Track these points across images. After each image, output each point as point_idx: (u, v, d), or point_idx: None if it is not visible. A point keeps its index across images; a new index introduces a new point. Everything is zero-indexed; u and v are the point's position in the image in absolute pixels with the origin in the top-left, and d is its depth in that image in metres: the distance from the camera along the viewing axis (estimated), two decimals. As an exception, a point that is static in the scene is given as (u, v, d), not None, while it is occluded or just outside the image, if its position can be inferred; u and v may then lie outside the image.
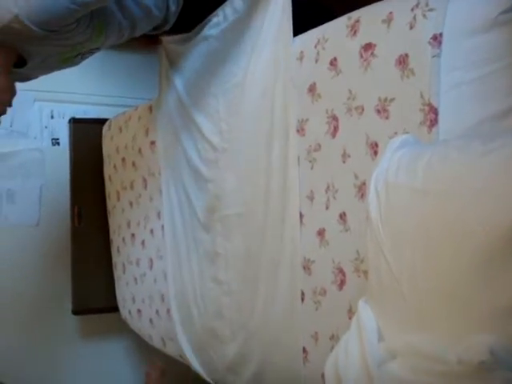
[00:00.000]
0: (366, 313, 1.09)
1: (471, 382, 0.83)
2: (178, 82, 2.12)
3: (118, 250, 2.86)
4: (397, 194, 1.02)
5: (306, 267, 1.55)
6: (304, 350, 1.58)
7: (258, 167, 1.72)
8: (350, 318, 1.38)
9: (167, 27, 2.02)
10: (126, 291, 2.81)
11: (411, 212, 0.98)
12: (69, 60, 1.82)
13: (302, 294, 1.58)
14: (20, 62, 1.67)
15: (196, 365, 2.14)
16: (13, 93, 1.68)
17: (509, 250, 0.80)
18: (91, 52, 1.82)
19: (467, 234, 0.85)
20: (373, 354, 1.01)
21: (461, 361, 0.85)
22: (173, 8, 1.92)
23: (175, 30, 2.03)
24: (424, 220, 0.95)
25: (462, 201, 0.87)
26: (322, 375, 1.48)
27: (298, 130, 1.55)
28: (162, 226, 2.33)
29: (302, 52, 1.52)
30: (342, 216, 1.42)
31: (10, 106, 1.68)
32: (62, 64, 1.83)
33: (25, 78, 1.82)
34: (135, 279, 2.66)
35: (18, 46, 1.62)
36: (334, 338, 1.45)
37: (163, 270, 2.34)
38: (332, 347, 1.43)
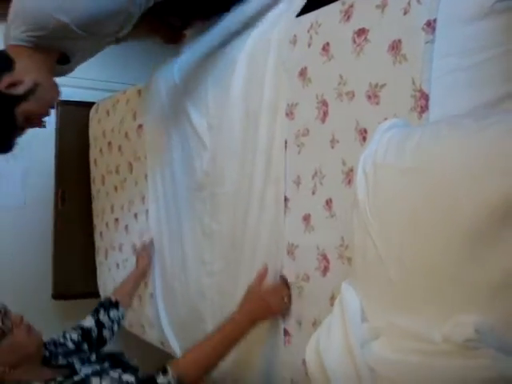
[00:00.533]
0: (349, 294, 1.09)
1: (456, 361, 0.83)
2: (175, 66, 2.11)
3: (101, 235, 2.84)
4: (385, 175, 1.02)
5: (290, 252, 1.55)
6: (286, 333, 1.58)
7: (245, 147, 1.72)
8: (331, 305, 1.37)
9: None
10: (107, 277, 2.78)
11: (399, 192, 0.98)
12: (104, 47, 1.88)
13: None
14: (63, 58, 1.71)
15: (177, 350, 2.12)
16: (59, 91, 1.74)
17: (497, 228, 0.80)
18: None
19: (456, 211, 0.85)
20: (356, 335, 1.01)
21: (446, 339, 0.85)
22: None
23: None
24: (412, 199, 0.94)
25: (452, 177, 0.87)
26: (304, 361, 1.48)
27: (287, 114, 1.54)
28: (147, 211, 2.32)
29: (295, 36, 1.51)
30: (328, 202, 1.41)
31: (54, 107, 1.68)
32: (97, 53, 1.89)
33: (63, 73, 1.84)
34: (117, 265, 2.64)
35: (62, 46, 1.64)
36: (316, 324, 1.45)
37: (145, 255, 2.32)
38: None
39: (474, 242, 0.84)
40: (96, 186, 2.88)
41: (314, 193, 1.47)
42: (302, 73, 1.48)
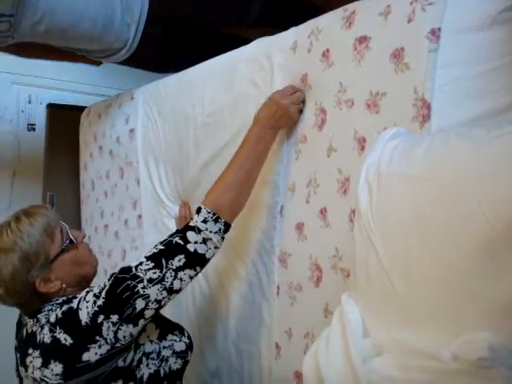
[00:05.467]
0: (349, 307, 1.05)
1: (467, 380, 0.80)
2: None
3: (90, 241, 2.79)
4: (390, 184, 0.99)
5: (283, 260, 1.53)
6: (277, 346, 1.55)
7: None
8: (325, 317, 1.35)
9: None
10: (94, 283, 2.73)
11: (407, 201, 0.94)
12: None
13: (278, 287, 1.55)
14: None
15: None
16: None
17: (510, 240, 0.77)
18: None
19: (469, 224, 0.82)
20: (357, 350, 0.96)
21: (456, 357, 0.81)
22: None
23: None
24: (421, 209, 0.91)
25: (464, 188, 0.84)
26: (295, 373, 1.45)
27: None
28: (139, 216, 2.29)
29: (295, 42, 1.49)
30: (323, 211, 1.39)
31: None
32: None
33: None
34: (105, 271, 2.60)
35: None
36: (309, 337, 1.42)
37: (136, 261, 2.29)
38: (306, 345, 1.41)
39: (487, 255, 0.81)
40: (85, 191, 2.84)
41: (307, 201, 1.44)
42: (303, 79, 1.46)
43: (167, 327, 1.49)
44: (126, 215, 2.40)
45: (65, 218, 2.89)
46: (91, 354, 1.26)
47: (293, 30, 1.53)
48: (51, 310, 1.33)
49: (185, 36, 2.24)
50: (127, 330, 1.27)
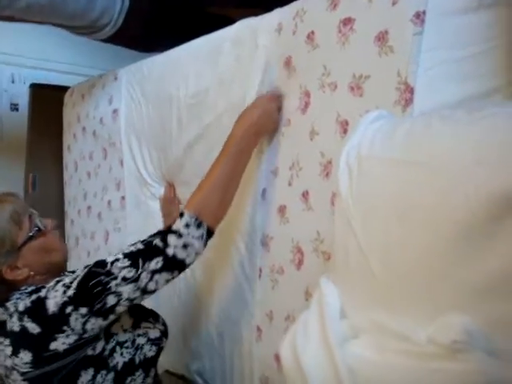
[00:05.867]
0: (328, 289, 1.05)
1: (442, 363, 0.80)
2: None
3: (72, 223, 2.78)
4: (370, 166, 0.98)
5: (265, 243, 1.53)
6: (258, 329, 1.55)
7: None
8: (306, 300, 1.36)
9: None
10: (77, 265, 2.72)
11: (386, 184, 0.94)
12: None
13: (260, 270, 1.55)
14: None
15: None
16: None
17: (490, 224, 0.77)
18: None
19: (449, 207, 0.82)
20: (334, 332, 0.96)
21: (432, 340, 0.81)
22: None
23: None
24: (400, 191, 0.91)
25: (444, 170, 0.84)
26: (276, 356, 1.45)
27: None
28: (122, 197, 2.28)
29: (280, 23, 1.48)
30: (305, 194, 1.39)
31: None
32: None
33: None
34: (88, 253, 2.59)
35: None
36: (290, 319, 1.42)
37: (119, 243, 2.28)
38: (287, 328, 1.40)
39: (464, 238, 0.81)
40: (68, 173, 2.81)
41: (290, 184, 1.44)
42: (287, 62, 1.45)
43: (141, 315, 1.48)
44: (110, 196, 2.39)
45: (48, 199, 2.92)
46: (59, 344, 1.24)
47: (278, 12, 1.51)
48: (20, 298, 1.31)
49: (171, 14, 2.21)
50: (96, 323, 1.26)
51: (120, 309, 1.28)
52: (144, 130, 2.12)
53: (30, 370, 1.27)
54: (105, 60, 3.06)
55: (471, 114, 0.86)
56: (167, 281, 1.32)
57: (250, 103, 1.49)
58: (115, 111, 2.31)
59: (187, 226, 1.30)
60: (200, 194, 1.37)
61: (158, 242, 1.30)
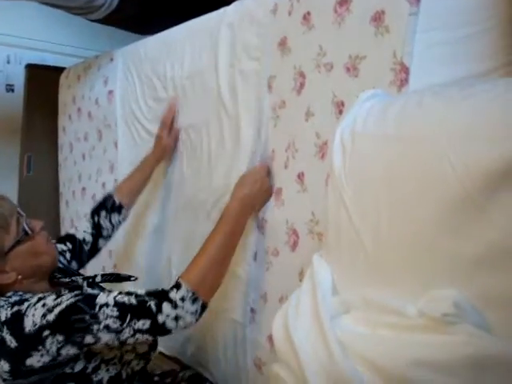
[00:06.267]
0: (320, 266, 1.06)
1: (432, 336, 0.81)
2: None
3: (67, 205, 2.78)
4: (364, 143, 0.99)
5: (260, 226, 1.52)
6: (252, 311, 1.56)
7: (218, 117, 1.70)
8: (300, 281, 1.35)
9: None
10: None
11: (378, 160, 0.94)
12: None
13: (255, 253, 1.55)
14: None
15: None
16: None
17: (480, 198, 0.77)
18: None
19: (439, 181, 0.82)
20: (326, 308, 0.97)
21: (422, 313, 0.82)
22: None
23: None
24: (392, 168, 0.92)
25: (435, 146, 0.84)
26: (269, 337, 1.46)
27: (267, 86, 1.50)
28: (115, 180, 2.27)
29: (276, 4, 1.47)
30: (301, 176, 1.39)
31: None
32: None
33: None
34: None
35: None
36: (283, 301, 1.42)
37: (113, 224, 2.28)
38: (281, 309, 1.42)
39: (454, 213, 0.81)
40: (63, 154, 2.81)
41: (286, 166, 1.44)
42: (282, 43, 1.44)
43: None
44: (104, 178, 2.39)
45: (43, 180, 2.91)
46: (34, 361, 1.22)
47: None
48: (3, 306, 1.28)
49: None
50: (71, 350, 1.24)
51: (96, 346, 1.27)
52: (140, 112, 2.11)
53: (10, 378, 1.25)
54: (101, 41, 3.04)
55: (463, 91, 0.87)
56: (146, 339, 1.31)
57: (243, 175, 1.51)
58: (111, 92, 2.30)
59: (183, 299, 1.28)
60: (197, 268, 1.35)
61: (152, 304, 1.26)
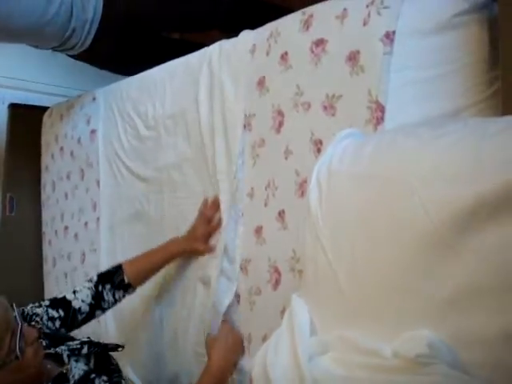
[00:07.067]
0: (298, 306, 1.06)
1: (407, 377, 0.81)
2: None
3: (50, 243, 2.75)
4: (339, 182, 1.00)
5: (244, 267, 1.52)
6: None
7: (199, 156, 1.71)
8: (282, 319, 1.35)
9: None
10: (54, 287, 2.70)
11: (352, 198, 0.96)
12: None
13: (238, 296, 1.54)
14: None
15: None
16: None
17: (449, 238, 0.78)
18: None
19: (410, 220, 0.83)
20: (304, 348, 0.97)
21: (397, 354, 0.82)
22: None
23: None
24: (365, 207, 0.93)
25: (407, 186, 0.85)
26: (250, 379, 1.44)
27: (244, 126, 1.52)
28: (98, 219, 2.26)
29: (254, 45, 1.49)
30: (281, 214, 1.39)
31: None
32: None
33: None
34: (65, 274, 2.56)
35: None
36: (266, 339, 1.41)
37: (95, 264, 2.26)
38: (264, 349, 1.40)
39: (425, 253, 0.82)
40: (46, 193, 2.79)
41: (266, 204, 1.44)
42: (260, 82, 1.46)
43: None
44: (86, 217, 2.37)
45: (25, 220, 2.89)
46: None
47: (252, 34, 1.53)
48: None
49: (143, 37, 2.22)
50: None
51: None
52: (122, 151, 2.12)
53: None
54: (83, 81, 3.05)
55: (434, 131, 0.88)
56: None
57: (214, 341, 1.54)
58: (93, 131, 2.31)
59: None
60: None
61: None
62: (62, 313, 1.56)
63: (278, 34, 1.41)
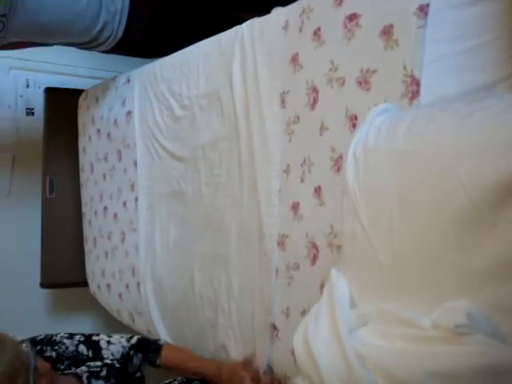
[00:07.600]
0: (338, 280, 1.08)
1: (446, 347, 0.82)
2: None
3: (90, 223, 2.82)
4: (376, 159, 1.00)
5: (281, 243, 1.53)
6: (274, 328, 1.56)
7: (233, 136, 1.72)
8: (321, 294, 1.36)
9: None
10: (96, 265, 2.77)
11: (390, 175, 0.96)
12: None
13: (276, 270, 1.55)
14: None
15: (165, 337, 2.10)
16: None
17: (489, 211, 0.78)
18: None
19: (448, 196, 0.84)
20: (344, 321, 0.99)
21: (436, 325, 0.84)
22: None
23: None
24: (403, 182, 0.93)
25: (443, 161, 0.86)
26: (293, 352, 1.46)
27: (280, 102, 1.52)
28: (136, 198, 2.30)
29: (287, 21, 1.49)
30: (317, 190, 1.40)
31: None
32: None
33: None
34: (106, 253, 2.63)
35: None
36: (306, 314, 1.43)
37: (135, 243, 2.31)
38: (303, 323, 1.42)
39: (464, 227, 0.83)
40: (85, 174, 2.85)
41: (302, 181, 1.45)
42: (294, 59, 1.46)
43: None
44: (125, 197, 2.42)
45: (65, 201, 2.96)
46: None
47: (284, 10, 1.52)
48: None
49: (173, 18, 2.22)
50: None
51: None
52: (157, 130, 2.14)
53: None
54: (117, 62, 3.08)
55: (469, 106, 0.88)
56: None
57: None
58: (129, 113, 2.34)
59: None
60: None
61: None
62: (90, 354, 1.65)
63: (310, 10, 1.41)
